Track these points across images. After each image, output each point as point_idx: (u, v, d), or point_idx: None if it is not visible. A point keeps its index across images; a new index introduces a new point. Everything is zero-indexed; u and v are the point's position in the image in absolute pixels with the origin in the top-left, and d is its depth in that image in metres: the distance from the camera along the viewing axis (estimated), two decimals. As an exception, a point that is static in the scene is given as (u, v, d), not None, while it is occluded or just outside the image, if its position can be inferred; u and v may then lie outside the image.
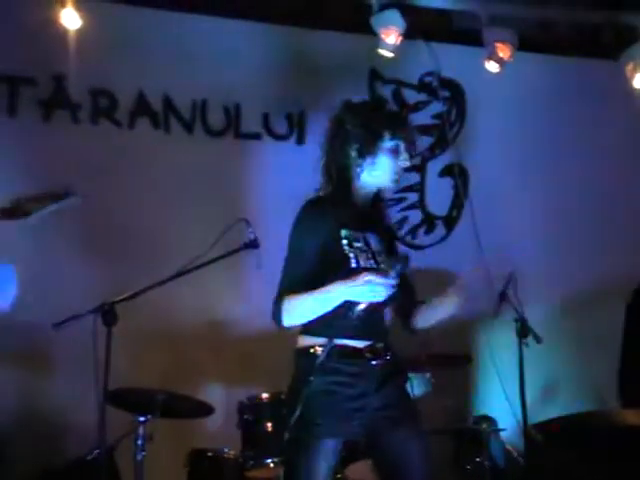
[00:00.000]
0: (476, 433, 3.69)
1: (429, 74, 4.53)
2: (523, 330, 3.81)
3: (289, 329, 2.41)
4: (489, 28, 4.06)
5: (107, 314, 2.69)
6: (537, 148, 4.55)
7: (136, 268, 3.75)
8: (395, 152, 2.43)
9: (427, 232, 4.54)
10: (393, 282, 2.20)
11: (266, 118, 4.34)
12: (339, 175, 2.45)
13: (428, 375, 3.73)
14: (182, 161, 4.15)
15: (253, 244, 3.14)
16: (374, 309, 2.32)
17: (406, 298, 2.52)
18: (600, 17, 4.30)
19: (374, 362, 2.34)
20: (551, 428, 1.36)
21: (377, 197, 2.52)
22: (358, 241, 2.37)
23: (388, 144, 2.42)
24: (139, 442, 3.13)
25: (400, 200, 4.49)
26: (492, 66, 4.07)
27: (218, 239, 3.11)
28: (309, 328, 2.39)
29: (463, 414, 4.14)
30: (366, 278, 2.19)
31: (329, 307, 2.27)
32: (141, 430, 3.14)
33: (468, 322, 4.18)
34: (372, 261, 2.35)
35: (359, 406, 2.32)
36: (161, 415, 3.18)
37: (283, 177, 4.15)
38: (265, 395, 3.24)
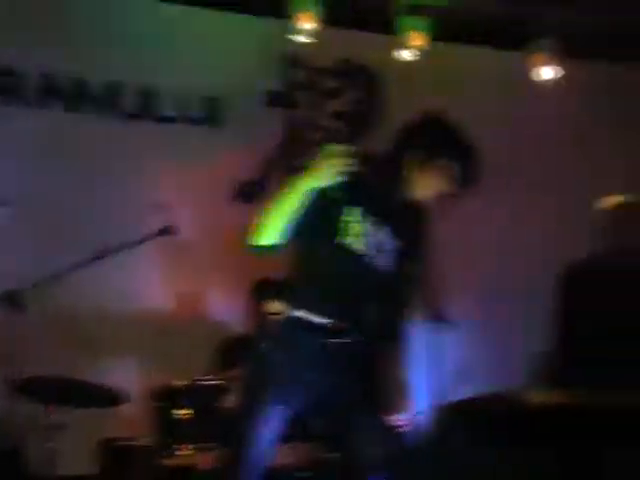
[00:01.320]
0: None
1: (345, 61, 4.54)
2: (439, 315, 3.90)
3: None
4: (403, 17, 4.10)
5: (13, 301, 2.61)
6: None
7: (53, 252, 3.65)
8: (445, 172, 2.43)
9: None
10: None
11: (182, 101, 4.28)
12: None
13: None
14: (99, 144, 4.07)
15: (168, 231, 3.11)
16: (358, 289, 2.35)
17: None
18: (512, 10, 4.41)
19: (333, 340, 2.34)
20: (458, 409, 1.39)
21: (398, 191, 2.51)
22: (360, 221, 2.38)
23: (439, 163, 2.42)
24: (49, 432, 3.06)
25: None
26: (406, 55, 4.12)
27: (134, 224, 3.07)
28: (284, 295, 2.43)
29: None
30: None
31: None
32: (52, 419, 3.06)
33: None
34: (365, 242, 2.35)
35: (311, 379, 2.32)
36: (74, 404, 3.11)
37: (200, 161, 4.11)
38: (180, 382, 3.21)
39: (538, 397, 1.51)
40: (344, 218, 2.37)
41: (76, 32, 4.10)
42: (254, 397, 2.33)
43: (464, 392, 3.96)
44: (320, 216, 2.36)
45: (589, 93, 4.62)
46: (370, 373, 2.44)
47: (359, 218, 2.38)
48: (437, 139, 2.50)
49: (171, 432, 3.16)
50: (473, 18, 4.47)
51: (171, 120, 4.27)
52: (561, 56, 4.28)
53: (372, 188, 2.51)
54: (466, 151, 2.46)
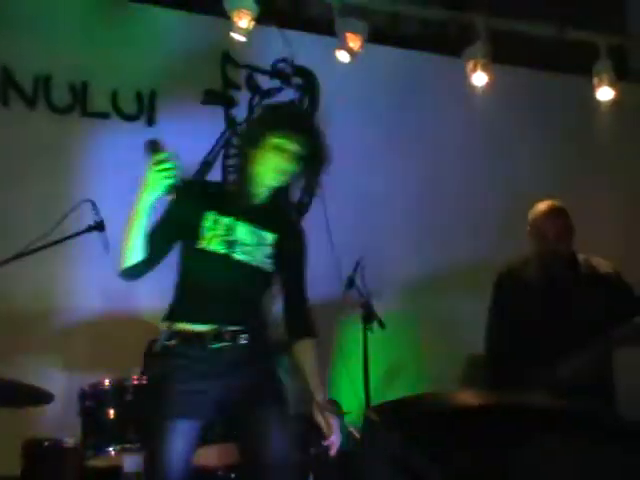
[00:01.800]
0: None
1: (282, 61, 4.55)
2: (368, 316, 3.94)
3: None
4: (341, 18, 4.12)
5: None
6: (389, 138, 4.67)
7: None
8: (279, 151, 2.41)
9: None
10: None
11: (115, 97, 4.21)
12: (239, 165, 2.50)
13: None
14: (23, 137, 3.96)
15: (99, 226, 3.05)
16: (233, 293, 2.36)
17: (293, 303, 2.57)
18: (447, 15, 4.48)
19: (216, 346, 2.35)
20: (386, 410, 1.41)
21: (279, 195, 2.51)
22: (223, 225, 2.40)
23: (272, 141, 2.41)
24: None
25: (252, 186, 4.49)
26: (343, 56, 4.14)
27: (61, 220, 3.01)
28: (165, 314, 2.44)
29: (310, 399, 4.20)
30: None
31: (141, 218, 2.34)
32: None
33: (315, 306, 4.25)
34: (228, 246, 2.38)
35: (203, 389, 2.32)
36: (-2, 403, 3.03)
37: (132, 158, 4.03)
38: (107, 381, 3.15)
39: (466, 398, 1.53)
40: (201, 223, 2.40)
41: (4, 24, 3.98)
42: (154, 413, 2.34)
43: (394, 393, 4.04)
44: (176, 226, 2.42)
45: (511, 97, 4.70)
46: (268, 371, 2.46)
47: (216, 220, 2.41)
48: (268, 117, 2.53)
49: (98, 433, 3.11)
50: (409, 22, 4.54)
51: (104, 116, 4.20)
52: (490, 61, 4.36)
53: (221, 187, 2.61)
54: (297, 124, 2.46)
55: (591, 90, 4.49)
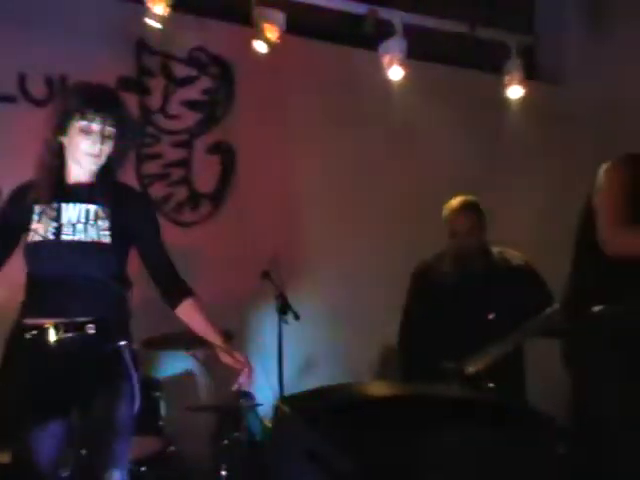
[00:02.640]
0: (235, 409, 3.74)
1: (199, 49, 4.49)
2: (283, 307, 3.94)
3: None
4: (258, 7, 4.09)
5: None
6: (308, 129, 4.67)
7: None
8: (86, 132, 2.40)
9: (193, 209, 4.50)
10: None
11: (23, 80, 4.07)
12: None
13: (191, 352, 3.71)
14: None
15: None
16: (73, 277, 2.34)
17: (156, 270, 2.52)
18: (363, 9, 4.51)
19: (56, 338, 2.32)
20: (296, 401, 1.41)
21: (106, 171, 2.48)
22: (49, 213, 2.40)
23: (78, 124, 2.40)
24: None
25: (165, 176, 4.42)
26: (260, 46, 4.11)
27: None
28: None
29: (225, 391, 4.18)
30: None
31: None
32: None
33: (230, 299, 4.22)
34: (55, 231, 2.37)
35: (49, 384, 2.30)
36: None
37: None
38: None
39: (376, 389, 1.55)
40: (30, 217, 2.42)
41: None
42: (11, 413, 2.29)
43: (309, 385, 4.04)
44: (10, 229, 2.46)
45: (426, 93, 4.77)
46: (113, 356, 2.40)
47: (43, 209, 2.41)
48: (69, 100, 2.48)
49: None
50: (326, 14, 4.54)
51: (11, 100, 4.05)
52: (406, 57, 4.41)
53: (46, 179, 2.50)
54: (96, 102, 2.44)
55: (502, 88, 4.61)
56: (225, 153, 4.54)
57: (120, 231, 2.42)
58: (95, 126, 2.38)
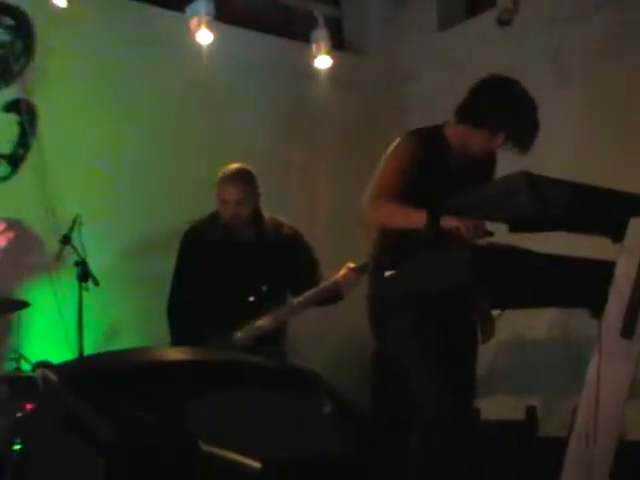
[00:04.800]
0: (31, 379, 3.59)
1: (-8, 0, 4.20)
2: (83, 273, 3.83)
3: None
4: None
5: None
6: (111, 91, 4.52)
7: None
8: None
9: (-11, 171, 4.24)
10: None
11: None
12: None
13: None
14: None
15: None
16: None
17: None
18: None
19: None
20: (63, 369, 1.37)
21: None
22: None
23: None
24: None
25: (-47, 135, 4.13)
26: (58, 0, 3.91)
27: None
28: None
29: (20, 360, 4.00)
30: None
31: None
32: None
33: (29, 264, 4.05)
34: None
35: None
36: None
37: None
38: None
39: (147, 355, 1.54)
40: None
41: None
42: None
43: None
44: None
45: (233, 58, 4.76)
46: None
47: None
48: None
49: None
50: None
51: None
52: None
53: None
54: None
55: (309, 57, 4.68)
56: (24, 112, 4.30)
57: None
58: None
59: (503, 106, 2.71)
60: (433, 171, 2.77)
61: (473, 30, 4.89)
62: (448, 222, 2.54)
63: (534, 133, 2.72)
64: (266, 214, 3.59)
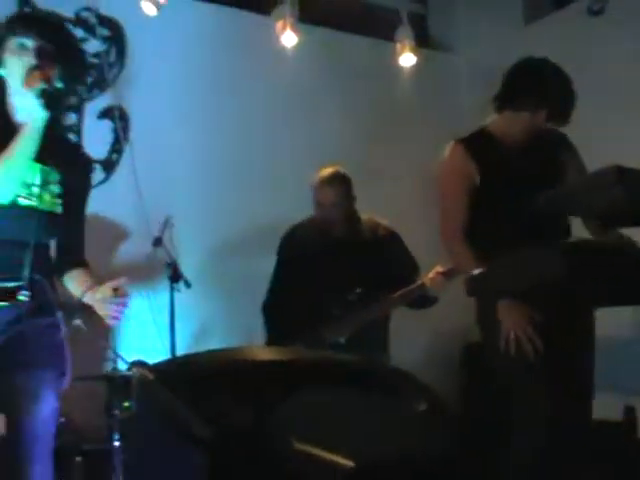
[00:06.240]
0: (128, 378, 3.70)
1: (87, 9, 4.35)
2: (175, 275, 3.91)
3: None
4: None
5: None
6: (200, 94, 4.60)
7: None
8: (20, 50, 2.14)
9: (85, 175, 4.39)
10: None
11: None
12: None
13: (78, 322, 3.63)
14: None
15: None
16: (12, 245, 2.17)
17: (69, 246, 2.38)
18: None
19: None
20: (161, 368, 1.41)
21: (55, 128, 2.26)
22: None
23: (12, 44, 2.15)
24: None
25: (56, 141, 4.29)
26: (148, 8, 4.01)
27: None
28: None
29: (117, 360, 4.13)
30: None
31: None
32: None
33: (122, 266, 4.16)
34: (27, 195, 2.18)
35: None
36: None
37: None
38: None
39: (243, 354, 1.56)
40: None
41: None
42: None
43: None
44: None
45: (318, 59, 4.78)
46: (50, 327, 2.27)
47: None
48: (3, 25, 2.25)
49: None
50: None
51: None
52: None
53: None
54: (35, 21, 2.22)
55: (394, 56, 4.65)
56: (118, 118, 4.44)
57: (65, 198, 2.26)
58: (30, 42, 2.12)
59: (539, 84, 2.74)
60: (493, 174, 2.76)
61: (561, 22, 4.76)
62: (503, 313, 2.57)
63: (573, 103, 2.73)
64: (364, 215, 3.61)
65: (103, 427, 3.70)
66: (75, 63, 2.31)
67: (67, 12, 4.30)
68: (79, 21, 4.35)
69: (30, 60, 2.12)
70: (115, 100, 4.42)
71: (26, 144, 2.09)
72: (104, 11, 4.36)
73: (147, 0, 4.00)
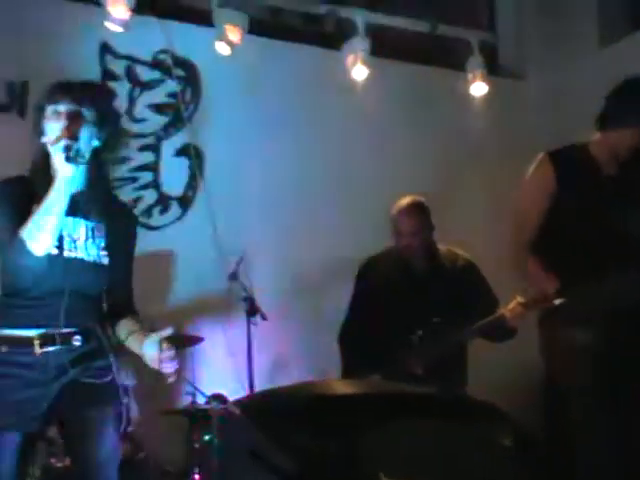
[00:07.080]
0: (207, 412, 3.73)
1: (163, 52, 4.48)
2: (251, 309, 3.95)
3: None
4: (219, 9, 4.08)
5: None
6: (273, 131, 4.66)
7: None
8: (55, 117, 2.23)
9: (162, 212, 4.49)
10: None
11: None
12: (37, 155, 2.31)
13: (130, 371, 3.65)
14: None
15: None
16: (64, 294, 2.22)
17: (115, 296, 2.40)
18: (324, 9, 4.52)
19: (44, 350, 2.22)
20: (246, 403, 1.41)
21: (97, 176, 2.34)
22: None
23: (48, 111, 2.25)
24: None
25: (134, 179, 4.41)
26: (222, 48, 4.10)
27: None
28: None
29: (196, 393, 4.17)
30: None
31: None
32: None
33: (199, 301, 4.22)
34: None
35: (32, 396, 2.21)
36: None
37: (2, 152, 3.89)
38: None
39: (337, 387, 1.56)
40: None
41: None
42: None
43: (279, 385, 4.03)
44: None
45: (390, 92, 4.79)
46: (102, 370, 2.31)
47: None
48: (43, 94, 2.31)
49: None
50: (288, 15, 4.55)
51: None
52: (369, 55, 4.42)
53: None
54: (65, 85, 2.28)
55: (465, 85, 4.63)
56: (193, 156, 4.54)
57: (111, 248, 2.33)
58: (63, 107, 2.21)
59: None
60: (579, 192, 2.75)
61: (638, 45, 4.66)
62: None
63: None
64: (442, 246, 3.58)
65: (183, 460, 3.75)
66: (111, 121, 2.34)
67: (145, 55, 4.45)
68: (156, 63, 4.49)
69: (63, 124, 2.21)
70: (191, 138, 4.53)
71: (55, 196, 2.18)
72: (179, 52, 4.48)
73: (221, 40, 4.09)
